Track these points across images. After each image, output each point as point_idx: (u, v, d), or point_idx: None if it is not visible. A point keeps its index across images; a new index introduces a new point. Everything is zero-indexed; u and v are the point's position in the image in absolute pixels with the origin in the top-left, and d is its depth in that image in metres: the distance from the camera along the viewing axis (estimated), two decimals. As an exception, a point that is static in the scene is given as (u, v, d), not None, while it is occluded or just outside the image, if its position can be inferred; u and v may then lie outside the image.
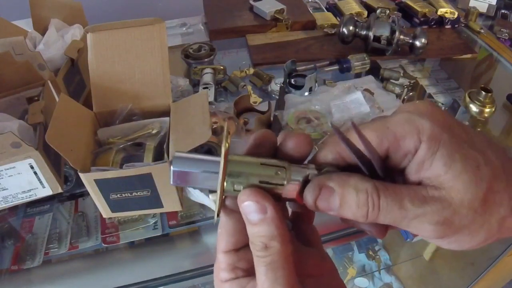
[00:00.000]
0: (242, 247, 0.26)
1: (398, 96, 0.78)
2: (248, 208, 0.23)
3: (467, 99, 0.74)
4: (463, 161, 0.22)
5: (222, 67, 0.80)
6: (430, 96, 0.81)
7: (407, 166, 0.24)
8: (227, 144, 0.22)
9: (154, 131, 0.55)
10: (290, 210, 0.28)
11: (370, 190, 0.22)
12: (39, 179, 0.51)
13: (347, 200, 0.23)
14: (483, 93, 0.72)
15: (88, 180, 0.48)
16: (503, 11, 1.03)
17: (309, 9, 1.01)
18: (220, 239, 0.26)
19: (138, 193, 0.51)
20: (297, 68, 0.79)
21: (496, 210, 0.22)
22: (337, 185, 0.23)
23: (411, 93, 0.81)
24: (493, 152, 0.23)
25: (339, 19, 0.95)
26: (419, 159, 0.23)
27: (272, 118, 0.69)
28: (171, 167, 0.23)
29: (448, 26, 0.98)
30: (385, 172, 0.24)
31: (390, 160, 0.24)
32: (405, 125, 0.23)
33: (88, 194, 0.50)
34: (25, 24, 0.69)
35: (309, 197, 0.24)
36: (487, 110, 0.72)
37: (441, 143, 0.22)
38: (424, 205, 0.22)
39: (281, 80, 0.79)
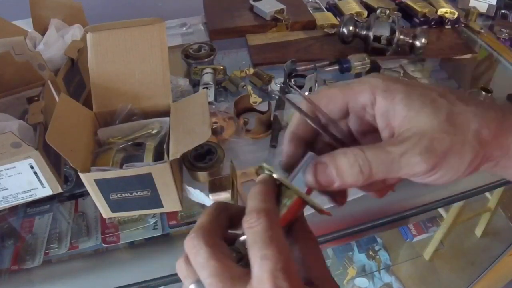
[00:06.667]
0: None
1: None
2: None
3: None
4: (420, 97, 0.26)
5: (222, 67, 0.79)
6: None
7: (375, 123, 0.28)
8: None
9: (154, 131, 0.55)
10: None
11: (355, 151, 0.26)
12: (39, 179, 0.51)
13: (340, 165, 0.26)
14: (483, 93, 0.72)
15: (88, 180, 0.48)
16: (503, 11, 1.03)
17: (309, 9, 1.01)
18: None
19: (138, 193, 0.51)
20: (297, 68, 0.79)
21: (467, 127, 0.25)
22: (327, 158, 0.26)
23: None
24: (444, 89, 0.27)
25: (339, 19, 0.95)
26: (382, 110, 0.27)
27: (272, 118, 0.69)
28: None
29: (448, 26, 0.98)
30: (347, 137, 0.30)
31: (355, 118, 0.30)
32: (360, 84, 0.28)
33: (88, 194, 0.50)
34: (25, 24, 0.69)
35: (309, 177, 0.27)
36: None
37: (397, 91, 0.26)
38: (405, 142, 0.25)
39: (281, 80, 0.79)
